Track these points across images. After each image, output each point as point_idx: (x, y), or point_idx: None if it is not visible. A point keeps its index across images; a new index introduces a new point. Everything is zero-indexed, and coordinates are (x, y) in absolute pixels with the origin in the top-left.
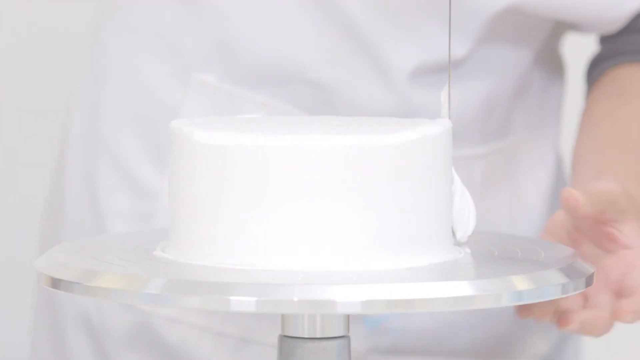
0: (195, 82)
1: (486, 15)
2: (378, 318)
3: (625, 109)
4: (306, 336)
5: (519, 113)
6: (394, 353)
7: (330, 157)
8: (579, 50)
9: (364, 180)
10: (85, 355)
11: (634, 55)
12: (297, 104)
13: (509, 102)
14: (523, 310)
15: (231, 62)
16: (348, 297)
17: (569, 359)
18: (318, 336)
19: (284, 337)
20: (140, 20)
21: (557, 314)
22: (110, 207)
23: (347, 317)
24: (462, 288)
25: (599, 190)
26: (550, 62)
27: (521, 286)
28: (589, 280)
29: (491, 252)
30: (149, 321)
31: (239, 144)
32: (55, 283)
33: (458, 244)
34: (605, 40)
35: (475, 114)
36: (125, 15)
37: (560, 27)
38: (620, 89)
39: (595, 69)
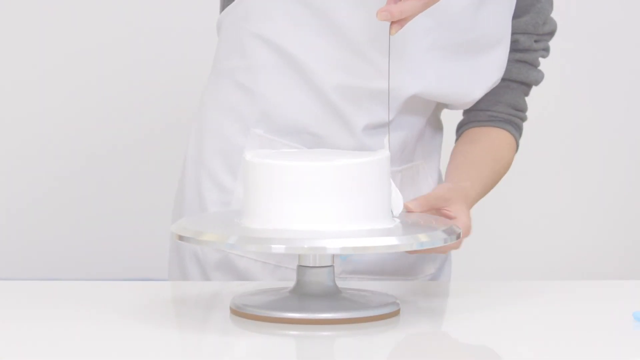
0: (251, 133)
1: (402, 98)
2: (347, 255)
3: (471, 147)
4: (311, 265)
5: (418, 149)
6: (354, 273)
7: (325, 171)
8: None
9: (344, 183)
10: (195, 275)
11: (478, 123)
12: (304, 145)
13: (414, 143)
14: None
15: (270, 122)
16: (333, 245)
17: (445, 275)
18: (317, 265)
19: (299, 266)
20: (223, 100)
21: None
22: (208, 198)
23: (332, 255)
24: (392, 240)
25: (429, 195)
26: (435, 123)
27: (422, 239)
28: (458, 236)
29: (408, 222)
30: (228, 256)
31: (278, 164)
32: (181, 237)
33: (393, 217)
34: (465, 112)
35: (397, 149)
36: (216, 96)
37: (439, 105)
38: (471, 139)
39: (460, 129)
